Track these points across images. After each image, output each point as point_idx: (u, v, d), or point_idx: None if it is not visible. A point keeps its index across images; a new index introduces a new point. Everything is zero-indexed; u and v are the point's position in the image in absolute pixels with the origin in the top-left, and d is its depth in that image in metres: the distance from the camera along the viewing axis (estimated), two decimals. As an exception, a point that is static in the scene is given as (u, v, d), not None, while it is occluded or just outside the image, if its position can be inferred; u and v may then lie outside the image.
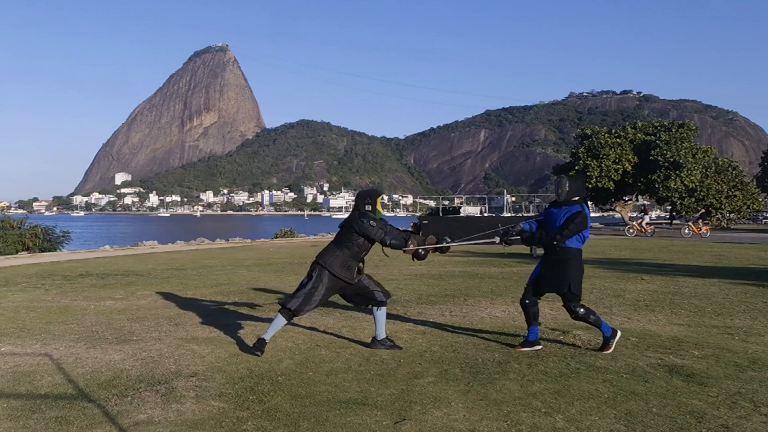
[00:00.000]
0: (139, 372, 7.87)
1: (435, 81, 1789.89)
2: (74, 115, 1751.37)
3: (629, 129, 66.03)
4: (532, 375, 7.72)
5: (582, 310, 8.93)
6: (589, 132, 67.58)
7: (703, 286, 16.36)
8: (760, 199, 73.30)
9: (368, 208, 9.05)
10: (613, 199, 67.10)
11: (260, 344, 8.80)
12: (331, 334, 10.25)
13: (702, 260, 24.83)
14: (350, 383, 7.40)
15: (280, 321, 8.91)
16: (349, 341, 9.67)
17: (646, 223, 50.40)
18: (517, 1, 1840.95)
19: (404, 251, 9.08)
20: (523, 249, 29.32)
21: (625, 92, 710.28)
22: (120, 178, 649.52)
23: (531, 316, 9.18)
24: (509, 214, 54.85)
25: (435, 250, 9.49)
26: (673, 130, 62.20)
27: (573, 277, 8.87)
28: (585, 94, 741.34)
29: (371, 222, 8.86)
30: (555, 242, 8.78)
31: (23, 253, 31.27)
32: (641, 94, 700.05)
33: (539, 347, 9.14)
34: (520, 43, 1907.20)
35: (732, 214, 67.38)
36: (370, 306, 9.36)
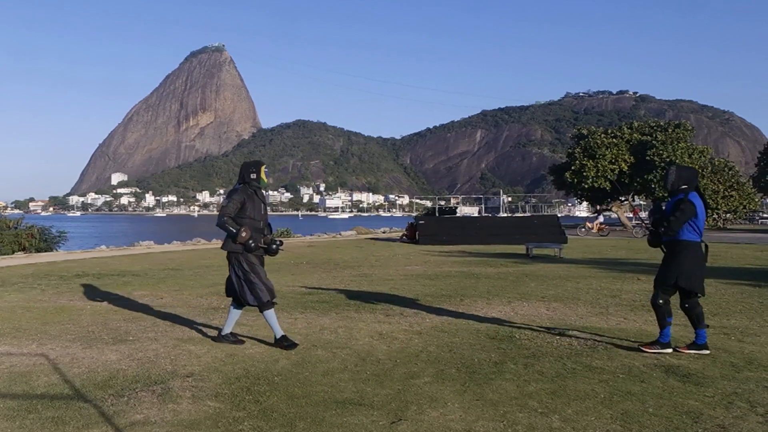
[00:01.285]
0: (135, 372, 7.86)
1: (431, 81, 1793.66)
2: (71, 116, 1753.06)
3: (625, 129, 66.04)
4: (528, 375, 7.72)
5: (661, 300, 8.88)
6: (585, 132, 67.56)
7: (700, 286, 16.35)
8: (757, 200, 73.48)
9: (253, 176, 9.34)
10: (608, 200, 67.11)
11: (233, 336, 9.44)
12: (327, 334, 10.24)
13: (698, 260, 24.80)
14: (346, 383, 7.40)
15: (236, 313, 9.52)
16: (346, 342, 9.66)
17: (599, 224, 51.48)
18: (513, 1, 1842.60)
19: (234, 241, 9.07)
20: (520, 249, 29.37)
21: (621, 92, 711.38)
22: (116, 178, 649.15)
23: (696, 317, 8.94)
24: (505, 214, 54.79)
25: (267, 251, 9.46)
26: (670, 131, 62.21)
27: (683, 271, 8.73)
28: (581, 94, 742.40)
29: (229, 198, 9.17)
30: (661, 229, 8.72)
31: (19, 253, 31.18)
32: (637, 94, 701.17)
33: (670, 350, 8.98)
34: (517, 44, 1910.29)
35: (728, 215, 67.46)
36: (233, 300, 9.57)
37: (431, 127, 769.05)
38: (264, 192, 9.63)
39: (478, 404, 6.64)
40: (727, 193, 65.05)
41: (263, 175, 9.39)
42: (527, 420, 6.15)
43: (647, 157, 59.54)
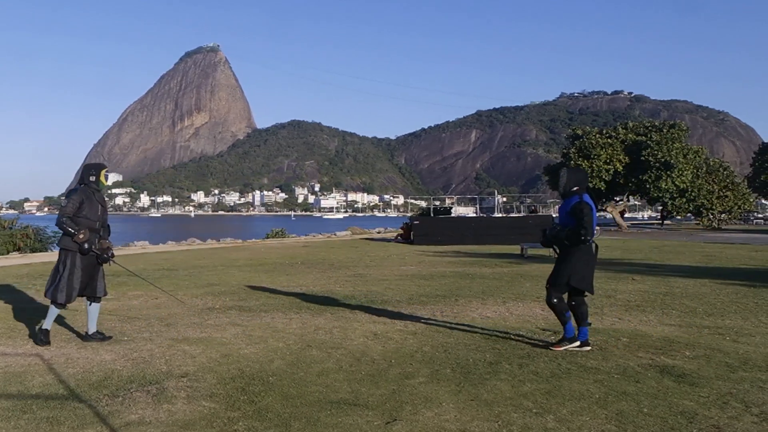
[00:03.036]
0: (130, 372, 7.86)
1: (426, 81, 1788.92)
2: (66, 116, 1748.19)
3: (620, 129, 66.16)
4: (523, 375, 7.72)
5: (555, 299, 9.06)
6: (580, 132, 67.68)
7: (694, 286, 16.39)
8: (751, 200, 73.63)
9: (92, 179, 9.66)
10: (604, 200, 67.20)
11: (44, 335, 9.53)
12: (322, 334, 10.24)
13: (693, 260, 24.88)
14: (341, 384, 7.40)
15: (54, 311, 9.54)
16: (340, 342, 9.66)
17: None
18: (508, 1, 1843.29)
19: (73, 239, 9.31)
20: (514, 249, 29.40)
21: (616, 92, 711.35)
22: (111, 178, 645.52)
23: (576, 313, 9.19)
24: (500, 215, 54.79)
25: (98, 258, 9.65)
26: (664, 131, 62.31)
27: (575, 271, 8.96)
28: (576, 94, 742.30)
29: (68, 199, 9.44)
30: (584, 238, 8.81)
31: (14, 253, 31.20)
32: (632, 95, 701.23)
33: (589, 348, 9.15)
34: (512, 44, 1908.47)
35: (723, 215, 67.49)
36: (87, 299, 9.78)
37: (426, 127, 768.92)
38: (102, 194, 9.91)
39: (473, 404, 6.64)
40: (721, 194, 65.18)
41: (102, 178, 9.78)
42: (522, 420, 6.16)
43: (642, 158, 59.63)
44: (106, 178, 9.86)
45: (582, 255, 8.96)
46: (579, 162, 60.99)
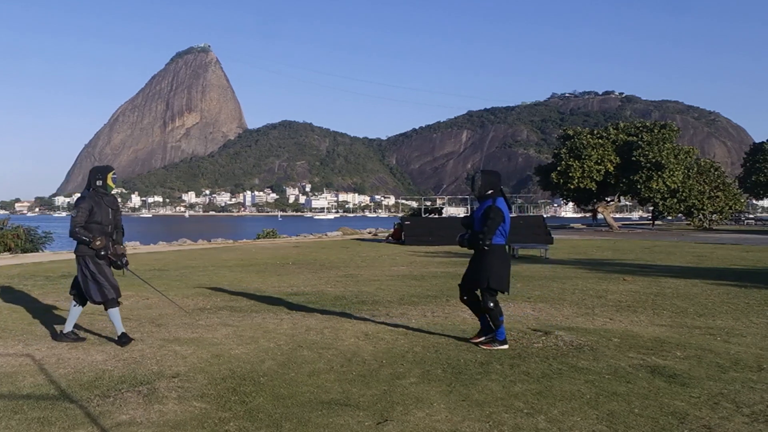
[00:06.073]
0: (121, 373, 7.84)
1: (417, 82, 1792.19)
2: (57, 116, 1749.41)
3: (611, 130, 66.38)
4: (514, 376, 7.72)
5: (491, 304, 9.14)
6: (571, 133, 67.80)
7: (686, 286, 16.42)
8: (742, 200, 73.86)
9: (99, 183, 9.52)
10: (595, 200, 67.32)
11: (124, 337, 9.49)
12: (313, 335, 10.22)
13: (684, 261, 24.93)
14: (332, 384, 7.39)
15: (115, 312, 9.54)
16: (331, 342, 9.64)
17: None
18: (498, 2, 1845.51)
19: (90, 247, 9.30)
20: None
21: (607, 93, 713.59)
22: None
23: (477, 309, 9.45)
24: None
25: (111, 263, 9.69)
26: (655, 131, 62.52)
27: (493, 273, 9.08)
28: (567, 94, 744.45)
29: (77, 208, 9.29)
30: (482, 242, 8.95)
31: (5, 253, 31.11)
32: (623, 95, 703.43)
33: (506, 347, 9.29)
34: (503, 44, 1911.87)
35: (714, 215, 67.61)
36: (73, 296, 9.82)
37: (417, 127, 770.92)
38: (113, 197, 9.82)
39: (464, 405, 6.64)
40: (713, 194, 65.33)
41: (110, 181, 9.62)
42: (513, 420, 6.15)
43: (633, 158, 59.81)
44: (114, 180, 9.71)
45: (497, 256, 9.12)
46: (570, 162, 61.15)
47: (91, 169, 9.72)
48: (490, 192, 9.17)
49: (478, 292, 9.32)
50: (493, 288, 9.09)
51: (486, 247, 8.99)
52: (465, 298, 9.46)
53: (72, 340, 9.67)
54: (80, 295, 9.64)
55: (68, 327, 9.82)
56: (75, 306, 9.78)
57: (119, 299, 9.60)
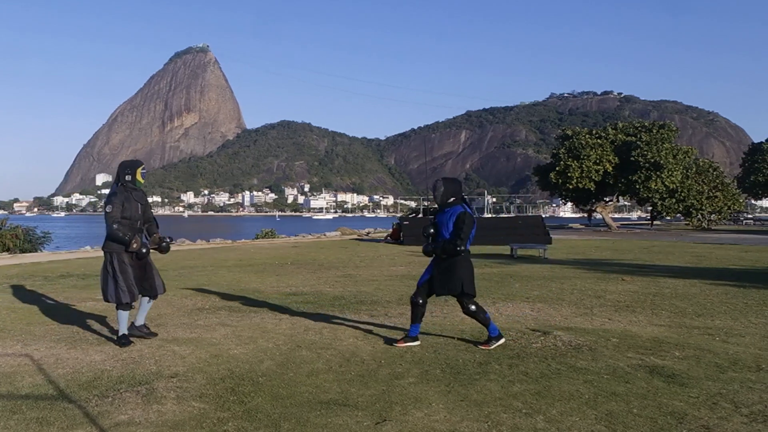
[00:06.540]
0: (119, 373, 7.83)
1: (416, 82, 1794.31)
2: (55, 116, 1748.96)
3: (610, 130, 66.32)
4: (512, 376, 7.72)
5: (473, 307, 9.22)
6: (569, 133, 67.72)
7: (684, 286, 16.41)
8: (741, 200, 73.76)
9: (128, 178, 9.57)
10: (593, 200, 67.29)
11: (125, 339, 9.47)
12: (312, 335, 10.22)
13: (683, 261, 24.92)
14: (331, 384, 7.39)
15: (124, 315, 9.49)
16: (330, 342, 9.64)
17: None
18: (498, 2, 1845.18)
19: (127, 249, 9.40)
20: (504, 250, 29.36)
21: (605, 93, 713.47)
22: (101, 178, 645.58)
23: (419, 314, 9.44)
24: (490, 215, 54.77)
25: (158, 249, 10.08)
26: (654, 131, 62.47)
27: (465, 277, 9.12)
28: (566, 94, 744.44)
29: (110, 204, 9.31)
30: (459, 249, 8.95)
31: (4, 253, 31.11)
32: (622, 95, 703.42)
33: (418, 343, 9.45)
34: (502, 44, 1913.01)
35: (713, 215, 67.55)
36: (146, 296, 9.89)
37: (416, 127, 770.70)
38: (141, 192, 9.86)
39: (463, 405, 6.64)
40: (711, 194, 65.25)
41: (139, 176, 9.66)
42: (512, 421, 6.15)
43: (632, 158, 59.75)
44: (143, 176, 9.75)
45: (465, 262, 9.19)
46: (569, 162, 61.12)
47: (120, 164, 9.76)
48: (452, 200, 9.21)
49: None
50: (467, 292, 9.14)
51: (462, 254, 9.04)
52: (420, 301, 9.40)
53: (144, 335, 9.81)
54: (147, 288, 9.78)
55: (140, 320, 9.93)
56: (149, 302, 9.94)
57: (133, 303, 9.58)
